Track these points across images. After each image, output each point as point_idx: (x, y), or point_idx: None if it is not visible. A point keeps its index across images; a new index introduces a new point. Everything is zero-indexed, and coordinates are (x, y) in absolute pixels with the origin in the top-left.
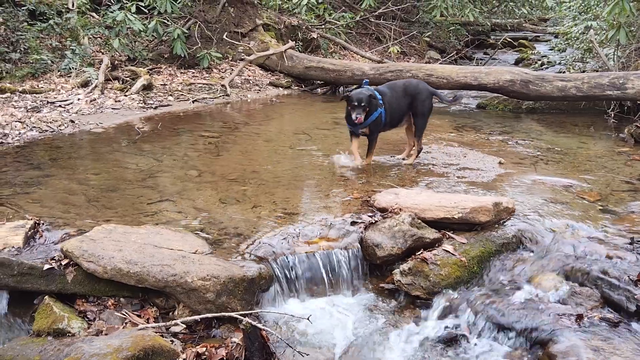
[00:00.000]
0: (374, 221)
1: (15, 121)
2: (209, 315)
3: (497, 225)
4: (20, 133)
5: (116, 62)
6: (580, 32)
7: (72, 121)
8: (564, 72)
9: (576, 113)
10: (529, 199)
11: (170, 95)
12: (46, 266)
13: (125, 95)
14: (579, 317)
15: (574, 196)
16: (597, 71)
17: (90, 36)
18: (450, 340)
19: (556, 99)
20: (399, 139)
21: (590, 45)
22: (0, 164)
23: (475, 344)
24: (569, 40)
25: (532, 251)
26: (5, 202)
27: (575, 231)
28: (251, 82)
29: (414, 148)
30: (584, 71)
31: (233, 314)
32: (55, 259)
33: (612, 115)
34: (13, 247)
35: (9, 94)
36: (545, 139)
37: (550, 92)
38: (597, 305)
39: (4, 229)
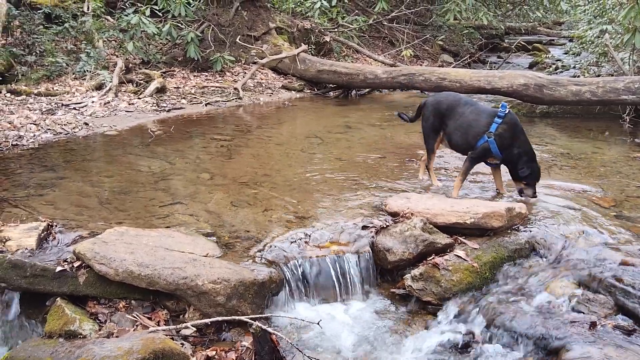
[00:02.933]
0: (385, 226)
1: (30, 123)
2: (219, 318)
3: (509, 231)
4: (34, 135)
5: (130, 65)
6: (595, 35)
7: (86, 124)
8: (578, 76)
9: (591, 118)
10: (542, 205)
11: (184, 98)
12: (58, 268)
13: (139, 98)
14: (592, 324)
15: (588, 202)
16: (612, 75)
17: (105, 39)
18: (462, 347)
19: (570, 103)
20: (412, 144)
21: (606, 49)
22: (15, 165)
23: (487, 351)
24: (584, 44)
25: (545, 257)
26: (19, 203)
27: (589, 237)
28: (264, 85)
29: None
30: (598, 75)
31: (243, 318)
32: (67, 261)
33: (628, 120)
34: (26, 248)
35: (24, 96)
36: (559, 144)
37: (565, 97)
38: (610, 312)
39: (17, 230)
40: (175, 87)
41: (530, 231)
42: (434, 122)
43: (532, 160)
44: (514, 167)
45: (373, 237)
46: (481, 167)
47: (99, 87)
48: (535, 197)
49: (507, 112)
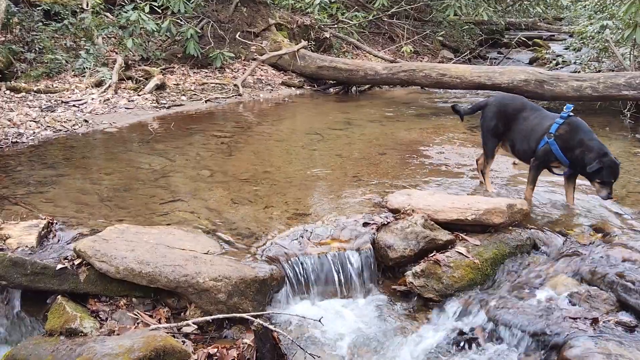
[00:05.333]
0: (386, 222)
1: (30, 120)
2: (221, 316)
3: (511, 227)
4: (34, 132)
5: (130, 61)
6: (595, 31)
7: (86, 121)
8: (579, 72)
9: (591, 113)
10: (543, 200)
11: (183, 95)
12: (59, 266)
13: (139, 95)
14: (594, 321)
15: (589, 198)
16: (613, 71)
17: (104, 36)
18: (463, 343)
19: (571, 99)
20: (413, 140)
21: (606, 44)
22: (15, 163)
23: (488, 347)
24: (584, 40)
25: (547, 253)
26: (19, 201)
27: (590, 233)
28: (263, 81)
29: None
30: (599, 71)
31: (244, 315)
32: (68, 259)
33: (628, 115)
34: (27, 246)
35: (24, 94)
36: None
37: (565, 92)
38: (612, 309)
39: (17, 228)
40: (174, 84)
41: (532, 227)
42: (496, 125)
43: (602, 155)
44: (583, 168)
45: (374, 233)
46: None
47: (99, 84)
48: (610, 198)
49: (570, 113)
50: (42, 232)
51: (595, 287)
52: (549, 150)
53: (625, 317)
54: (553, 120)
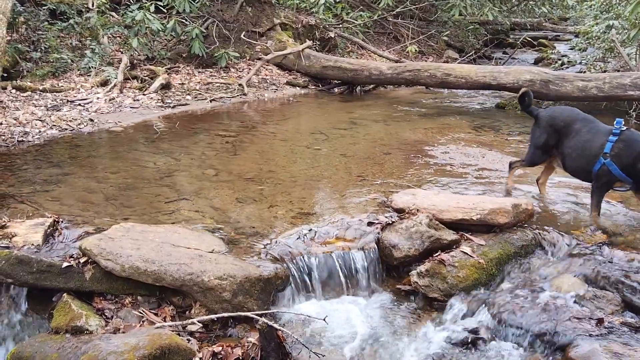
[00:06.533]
0: (390, 222)
1: (36, 119)
2: (225, 314)
3: (516, 227)
4: (40, 131)
5: (135, 61)
6: (601, 31)
7: (92, 120)
8: (584, 72)
9: (597, 113)
10: (549, 200)
11: (188, 94)
12: (65, 264)
13: (144, 95)
14: (600, 321)
15: None
16: (619, 71)
17: (110, 35)
18: (468, 343)
19: (577, 99)
20: (417, 140)
21: (612, 44)
22: (21, 161)
23: (494, 347)
24: (590, 40)
25: (552, 253)
26: (25, 199)
27: (595, 233)
28: (268, 81)
29: None
30: (605, 71)
31: (249, 314)
32: (73, 257)
33: (634, 115)
34: (32, 244)
35: (29, 93)
36: None
37: (571, 92)
38: (618, 309)
39: (23, 226)
40: (180, 84)
41: (537, 227)
42: (547, 140)
43: None
44: None
45: (379, 233)
46: (488, 164)
47: (104, 84)
48: None
49: (622, 128)
50: (48, 230)
51: (601, 288)
52: (607, 172)
53: (630, 317)
54: (606, 137)
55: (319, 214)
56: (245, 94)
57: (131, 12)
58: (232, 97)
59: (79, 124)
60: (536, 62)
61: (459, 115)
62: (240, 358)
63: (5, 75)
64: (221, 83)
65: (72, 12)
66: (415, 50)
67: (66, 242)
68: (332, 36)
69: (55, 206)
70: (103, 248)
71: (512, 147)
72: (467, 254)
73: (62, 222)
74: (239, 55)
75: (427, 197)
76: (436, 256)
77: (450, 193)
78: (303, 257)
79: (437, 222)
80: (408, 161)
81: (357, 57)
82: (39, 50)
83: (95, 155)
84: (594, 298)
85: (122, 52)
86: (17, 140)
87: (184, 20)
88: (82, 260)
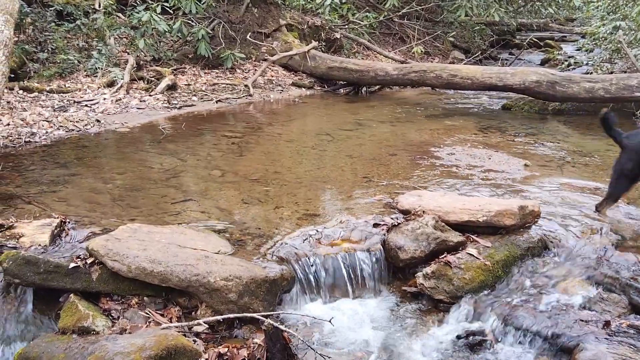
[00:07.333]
0: (396, 223)
1: (43, 120)
2: (231, 315)
3: (522, 229)
4: (47, 132)
5: (141, 62)
6: (608, 32)
7: (98, 121)
8: (591, 73)
9: None
10: (555, 202)
11: (194, 95)
12: (72, 264)
13: (150, 95)
14: (606, 323)
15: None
16: (626, 72)
17: (116, 36)
18: (474, 345)
19: (583, 100)
20: (423, 141)
21: (619, 45)
22: (28, 162)
23: (500, 350)
24: (597, 41)
25: (559, 256)
26: (32, 200)
27: (602, 235)
28: (274, 82)
29: None
30: (612, 72)
31: (255, 315)
32: (80, 258)
33: None
34: (40, 245)
35: (36, 94)
36: (572, 141)
37: (577, 94)
38: (625, 312)
39: (31, 227)
40: (186, 84)
41: (544, 229)
42: (633, 169)
43: None
44: None
45: (384, 234)
46: (494, 165)
47: (111, 84)
48: None
49: None
50: (55, 231)
51: (607, 290)
52: None
53: (637, 320)
54: None
55: (324, 215)
56: (251, 95)
57: (137, 13)
58: (238, 98)
59: (86, 125)
60: (543, 63)
61: (465, 117)
62: (246, 359)
63: (13, 76)
64: (227, 84)
65: (79, 13)
66: (421, 51)
67: (73, 242)
68: (338, 37)
69: (62, 207)
70: (110, 249)
71: (519, 148)
72: (473, 255)
73: (69, 222)
74: (244, 56)
75: (433, 199)
76: (442, 258)
77: (456, 194)
78: (309, 258)
79: (443, 223)
80: (414, 162)
81: (362, 58)
82: (46, 51)
83: (101, 156)
84: (601, 300)
85: (128, 53)
86: (24, 141)
87: (190, 21)
88: (89, 261)
